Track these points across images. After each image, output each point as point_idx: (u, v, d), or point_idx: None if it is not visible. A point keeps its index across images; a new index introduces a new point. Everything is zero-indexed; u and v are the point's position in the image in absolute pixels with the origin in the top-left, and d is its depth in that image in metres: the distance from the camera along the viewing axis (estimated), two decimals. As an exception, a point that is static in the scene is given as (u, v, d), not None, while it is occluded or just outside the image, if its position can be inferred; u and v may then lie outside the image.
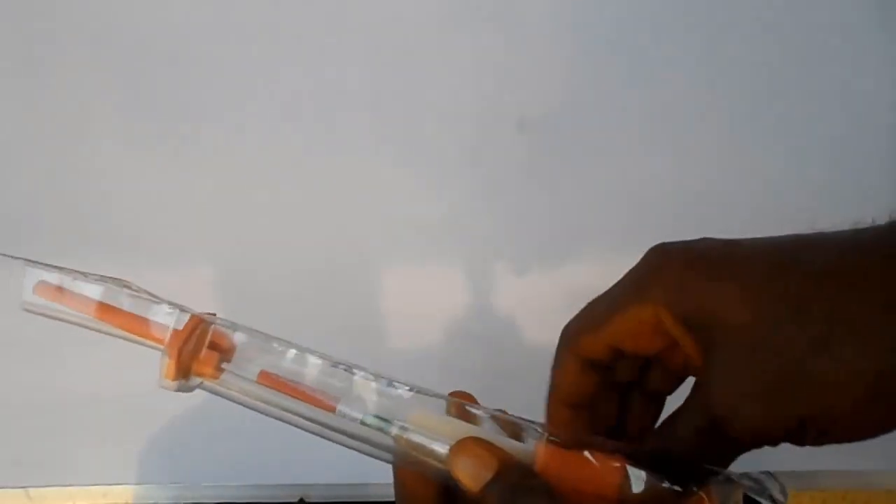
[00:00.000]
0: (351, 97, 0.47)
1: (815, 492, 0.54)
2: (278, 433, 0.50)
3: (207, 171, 0.47)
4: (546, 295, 0.49)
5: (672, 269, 0.23)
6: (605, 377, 0.26)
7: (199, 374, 0.23)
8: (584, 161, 0.47)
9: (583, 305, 0.28)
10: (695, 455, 0.23)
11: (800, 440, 0.21)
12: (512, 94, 0.45)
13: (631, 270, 0.25)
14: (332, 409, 0.24)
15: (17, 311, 0.51)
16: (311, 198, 0.48)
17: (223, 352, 0.24)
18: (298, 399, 0.24)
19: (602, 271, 0.49)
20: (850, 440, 0.21)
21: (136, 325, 0.23)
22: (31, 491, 0.51)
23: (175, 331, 0.23)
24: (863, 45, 0.44)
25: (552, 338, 0.49)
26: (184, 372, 0.23)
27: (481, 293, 0.51)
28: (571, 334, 0.26)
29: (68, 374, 0.49)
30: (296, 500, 0.51)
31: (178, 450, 0.51)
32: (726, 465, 0.23)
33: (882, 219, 0.21)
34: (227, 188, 0.48)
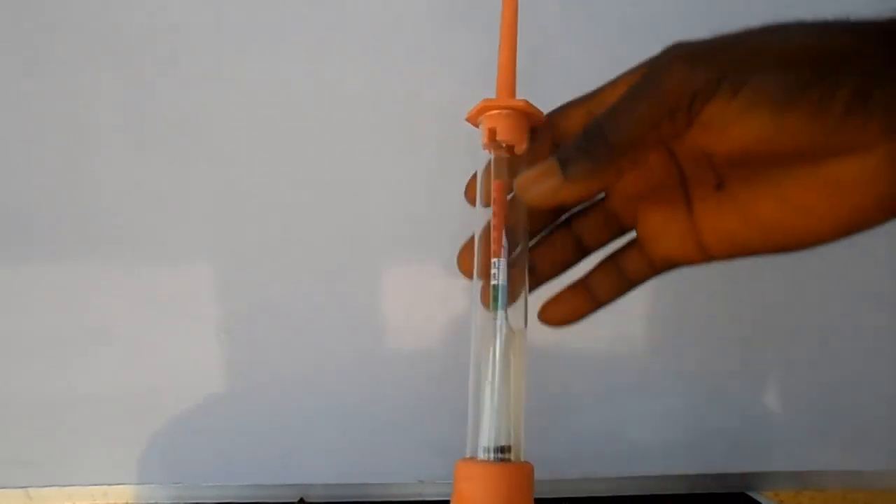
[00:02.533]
0: (351, 97, 0.47)
1: (815, 492, 0.54)
2: (278, 433, 0.50)
3: (207, 171, 0.47)
4: (546, 294, 0.49)
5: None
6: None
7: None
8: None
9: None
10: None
11: (711, 94, 0.21)
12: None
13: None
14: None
15: (17, 311, 0.51)
16: (311, 198, 0.48)
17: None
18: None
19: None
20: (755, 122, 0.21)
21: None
22: (31, 491, 0.51)
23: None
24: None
25: (553, 337, 0.49)
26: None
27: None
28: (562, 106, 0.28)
29: (68, 374, 0.49)
30: (296, 500, 0.51)
31: (178, 450, 0.51)
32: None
33: None
34: (228, 188, 0.48)
